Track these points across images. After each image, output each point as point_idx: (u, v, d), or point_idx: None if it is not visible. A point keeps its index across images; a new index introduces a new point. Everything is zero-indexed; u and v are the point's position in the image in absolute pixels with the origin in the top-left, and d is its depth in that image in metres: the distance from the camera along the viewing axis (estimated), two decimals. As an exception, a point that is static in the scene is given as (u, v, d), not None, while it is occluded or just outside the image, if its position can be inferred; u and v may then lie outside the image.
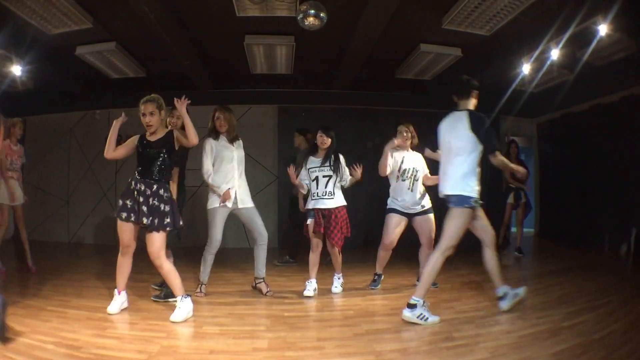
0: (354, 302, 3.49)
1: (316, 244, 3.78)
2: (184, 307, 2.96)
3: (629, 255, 5.48)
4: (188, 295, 3.04)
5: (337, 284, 3.85)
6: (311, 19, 4.06)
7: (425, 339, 2.59)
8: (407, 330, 2.76)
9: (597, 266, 4.99)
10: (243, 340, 2.59)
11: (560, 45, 4.84)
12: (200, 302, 3.33)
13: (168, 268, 3.07)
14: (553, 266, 5.06)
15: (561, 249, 5.55)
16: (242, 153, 3.84)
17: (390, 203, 3.99)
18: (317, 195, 3.73)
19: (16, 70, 5.36)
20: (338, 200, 3.74)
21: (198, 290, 3.68)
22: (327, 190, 3.71)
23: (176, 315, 2.92)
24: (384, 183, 4.08)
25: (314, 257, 3.78)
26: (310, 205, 3.76)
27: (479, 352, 2.35)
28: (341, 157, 3.83)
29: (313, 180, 3.76)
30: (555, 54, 4.99)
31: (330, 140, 3.76)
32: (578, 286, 3.87)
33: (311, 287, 3.70)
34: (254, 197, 3.91)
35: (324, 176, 3.73)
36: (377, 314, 3.27)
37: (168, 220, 3.05)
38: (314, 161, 3.79)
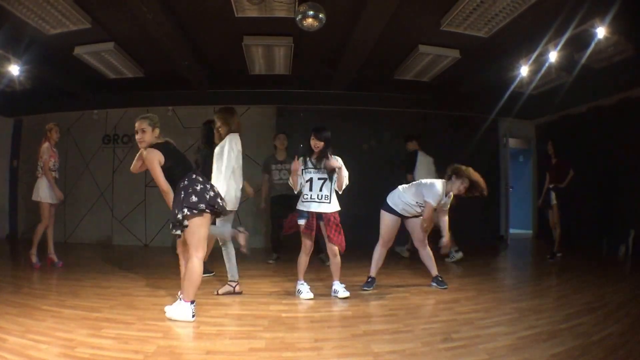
0: (352, 303, 3.48)
1: (308, 246, 3.68)
2: (181, 308, 2.89)
3: (627, 257, 5.49)
4: (192, 302, 2.92)
5: (340, 288, 3.64)
6: (310, 20, 4.06)
7: (423, 340, 2.58)
8: (405, 332, 2.74)
9: (595, 268, 4.99)
10: (240, 340, 2.57)
11: (559, 47, 4.84)
12: (197, 303, 3.29)
13: (192, 268, 2.90)
14: (551, 268, 5.07)
15: (559, 250, 5.55)
16: (215, 150, 3.67)
17: (390, 201, 3.99)
18: (311, 198, 3.61)
19: (14, 70, 5.36)
20: (334, 206, 3.65)
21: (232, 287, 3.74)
22: (322, 193, 3.59)
23: (169, 310, 2.91)
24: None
25: (304, 259, 3.69)
26: (304, 207, 3.63)
27: (477, 353, 2.34)
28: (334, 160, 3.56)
29: (307, 181, 3.62)
30: (553, 56, 5.00)
31: (322, 143, 3.57)
32: (576, 288, 3.87)
33: (305, 288, 3.64)
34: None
35: (319, 178, 3.61)
36: (375, 314, 3.26)
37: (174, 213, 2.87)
38: (310, 162, 3.65)
